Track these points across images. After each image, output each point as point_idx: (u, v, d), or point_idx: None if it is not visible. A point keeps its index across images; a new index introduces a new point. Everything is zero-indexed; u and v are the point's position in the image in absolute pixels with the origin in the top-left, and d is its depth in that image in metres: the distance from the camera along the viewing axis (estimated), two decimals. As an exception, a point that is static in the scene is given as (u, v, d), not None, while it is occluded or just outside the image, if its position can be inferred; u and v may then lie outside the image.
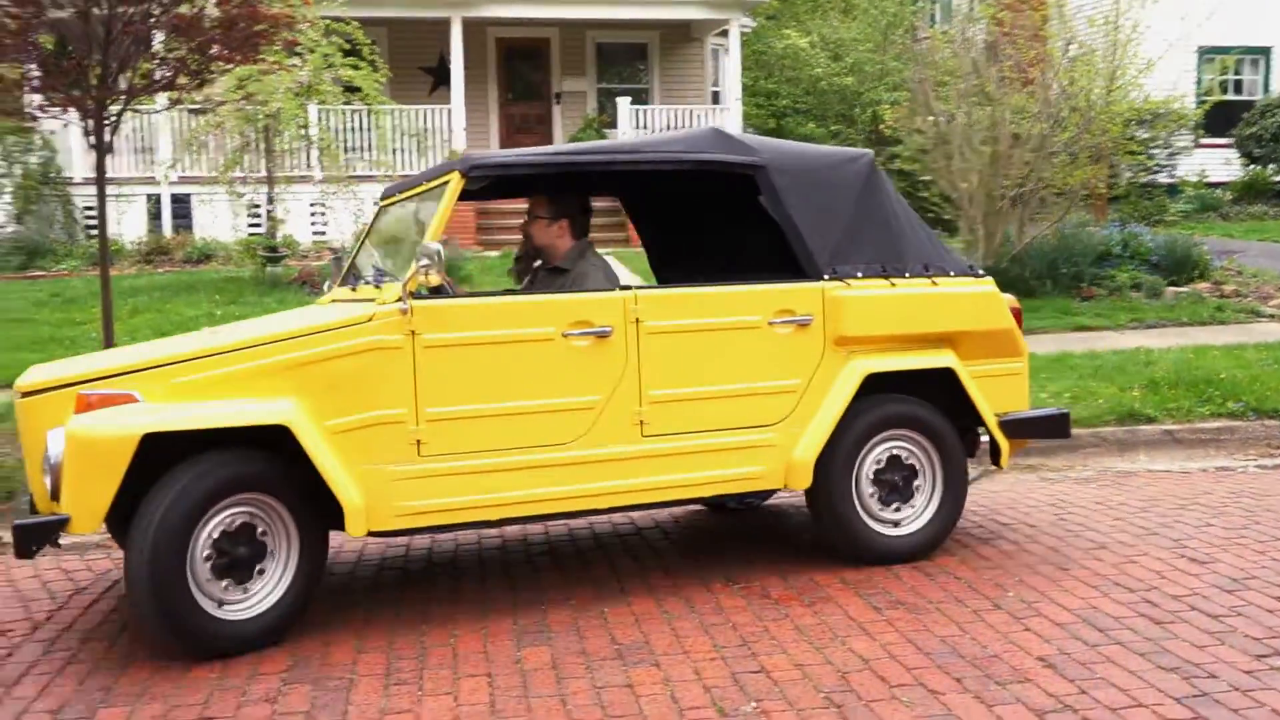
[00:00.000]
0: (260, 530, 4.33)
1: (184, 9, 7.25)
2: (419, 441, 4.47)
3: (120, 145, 18.66)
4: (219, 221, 17.79)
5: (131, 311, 12.41)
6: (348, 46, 14.68)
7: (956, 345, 5.32)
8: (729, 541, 5.79)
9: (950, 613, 4.60)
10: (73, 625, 4.76)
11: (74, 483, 4.04)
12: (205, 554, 4.22)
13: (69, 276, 16.48)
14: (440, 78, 21.21)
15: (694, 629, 4.49)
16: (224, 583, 4.27)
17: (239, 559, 4.29)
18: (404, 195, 5.25)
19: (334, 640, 4.47)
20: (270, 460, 4.30)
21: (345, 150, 15.89)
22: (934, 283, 5.29)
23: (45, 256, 18.06)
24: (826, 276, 5.10)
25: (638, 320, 4.76)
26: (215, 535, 4.24)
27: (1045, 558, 5.34)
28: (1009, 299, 5.55)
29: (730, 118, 20.93)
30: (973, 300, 5.36)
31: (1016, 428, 5.48)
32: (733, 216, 5.79)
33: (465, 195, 4.84)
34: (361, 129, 18.29)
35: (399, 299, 4.44)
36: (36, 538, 4.07)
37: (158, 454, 4.15)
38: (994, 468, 5.62)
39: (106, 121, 7.28)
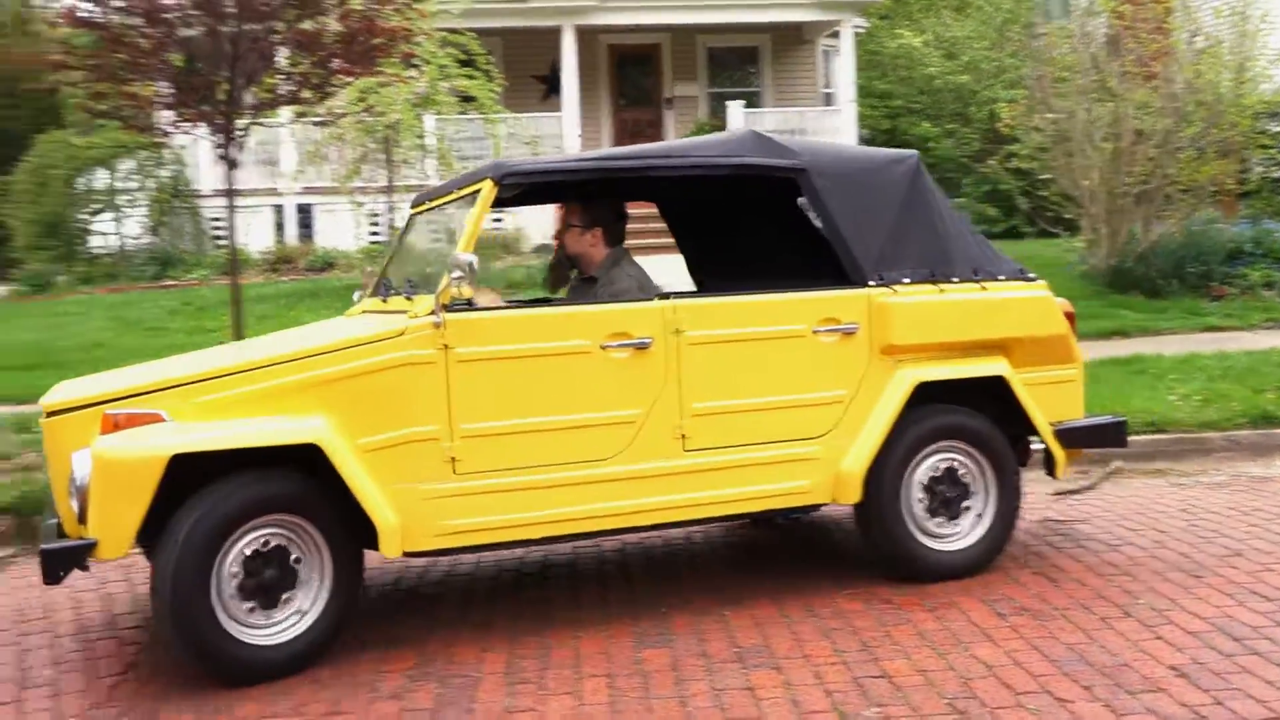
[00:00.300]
0: (293, 555, 4.17)
1: (306, 25, 7.46)
2: (454, 459, 4.32)
3: (246, 158, 19.21)
4: (340, 230, 18.23)
5: (259, 319, 12.79)
6: (463, 57, 14.93)
7: (1008, 352, 5.13)
8: (847, 546, 5.75)
9: (1077, 620, 4.51)
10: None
11: (101, 506, 3.90)
12: (231, 576, 4.08)
13: (199, 285, 17.05)
14: (553, 85, 21.43)
15: (814, 633, 4.47)
16: (250, 606, 4.12)
17: (268, 582, 4.13)
18: (437, 202, 5.12)
19: (458, 640, 4.55)
20: (300, 480, 4.15)
21: (461, 159, 16.15)
22: (984, 288, 5.11)
23: (176, 266, 18.71)
24: (872, 283, 4.93)
25: (678, 330, 4.62)
26: (242, 557, 4.09)
27: (1176, 564, 5.19)
28: (1062, 303, 5.35)
29: (843, 119, 20.75)
30: (1024, 305, 5.16)
31: (1072, 437, 5.28)
32: (772, 221, 5.65)
33: (501, 202, 4.80)
34: (476, 138, 18.58)
35: (431, 312, 4.30)
36: (63, 563, 3.93)
37: (186, 474, 4.00)
38: (1115, 469, 5.48)
39: (234, 135, 7.52)
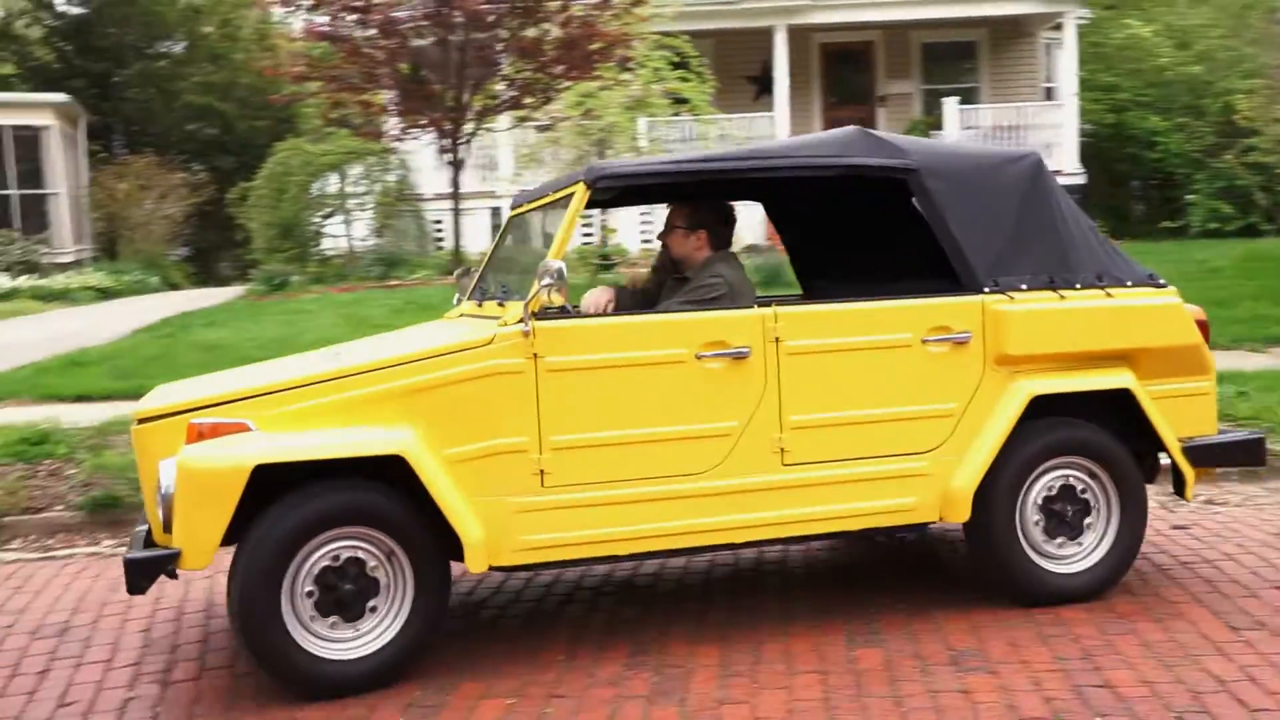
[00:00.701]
0: (372, 565, 4.10)
1: (529, 33, 7.72)
2: (542, 471, 4.22)
3: (465, 162, 19.95)
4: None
5: (477, 317, 13.24)
6: (676, 59, 15.11)
7: (1134, 363, 4.81)
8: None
9: (1319, 637, 4.28)
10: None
11: (185, 516, 3.88)
12: (307, 590, 4.03)
13: (422, 285, 17.78)
14: (764, 86, 21.44)
15: (1032, 639, 4.39)
16: (330, 620, 4.07)
17: (346, 596, 4.07)
18: (533, 205, 5.01)
19: (671, 632, 4.65)
20: (385, 492, 4.09)
21: (673, 160, 16.37)
22: (1108, 294, 4.81)
23: (400, 267, 19.54)
24: (987, 289, 4.67)
25: (778, 339, 4.43)
26: (317, 570, 4.05)
27: None
28: (1195, 310, 5.03)
29: (1065, 114, 20.06)
30: (1152, 313, 4.84)
31: (1203, 454, 4.92)
32: (883, 223, 5.40)
33: (598, 204, 4.65)
34: (687, 139, 18.77)
35: (520, 320, 4.20)
36: (147, 572, 3.95)
37: (273, 483, 3.99)
38: None
39: (460, 140, 7.85)
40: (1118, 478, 4.79)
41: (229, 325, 13.88)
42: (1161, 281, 4.99)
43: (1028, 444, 4.66)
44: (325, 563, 4.05)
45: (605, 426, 4.27)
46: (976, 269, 4.69)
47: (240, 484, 3.88)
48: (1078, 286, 4.80)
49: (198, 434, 4.07)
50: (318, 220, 21.76)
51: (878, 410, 4.54)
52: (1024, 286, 4.72)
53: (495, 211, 19.91)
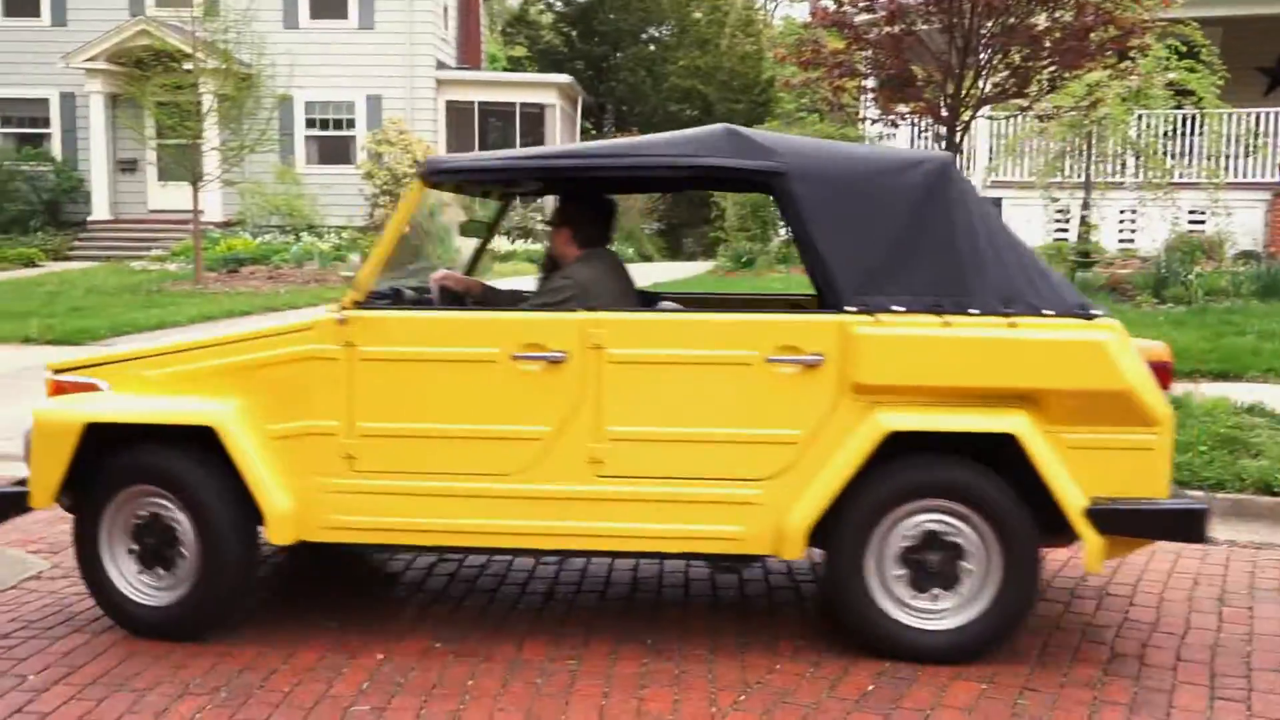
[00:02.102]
0: (171, 526, 4.34)
1: (1038, 20, 7.56)
2: (351, 456, 4.28)
3: (936, 149, 19.75)
4: (1027, 226, 18.13)
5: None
6: (1183, 49, 14.18)
7: (1041, 405, 4.07)
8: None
9: None
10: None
11: (34, 460, 4.33)
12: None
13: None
14: (1277, 78, 19.61)
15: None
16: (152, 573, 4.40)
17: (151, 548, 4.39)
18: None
19: (1147, 645, 4.46)
20: (199, 457, 4.33)
21: (1168, 156, 15.38)
22: (1012, 324, 4.07)
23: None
24: (849, 308, 4.10)
25: (598, 346, 4.17)
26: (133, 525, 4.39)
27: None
28: (1155, 349, 4.27)
29: None
30: (1059, 349, 4.05)
31: (1114, 521, 4.05)
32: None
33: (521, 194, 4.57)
34: (1180, 134, 17.55)
35: (343, 307, 4.29)
36: (2, 507, 4.50)
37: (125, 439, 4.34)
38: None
39: (958, 128, 7.83)
40: (1000, 531, 4.11)
41: (702, 298, 14.66)
42: (1094, 313, 4.16)
43: (885, 483, 4.11)
44: (138, 519, 4.39)
45: (415, 418, 4.25)
46: (840, 285, 4.13)
47: (74, 436, 4.25)
48: (973, 312, 4.11)
49: (59, 389, 4.52)
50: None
51: (709, 429, 4.17)
52: (899, 308, 4.11)
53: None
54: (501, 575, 5.21)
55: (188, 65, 19.96)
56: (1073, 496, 4.05)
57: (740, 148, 4.29)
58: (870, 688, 4.02)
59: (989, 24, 7.48)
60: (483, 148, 26.50)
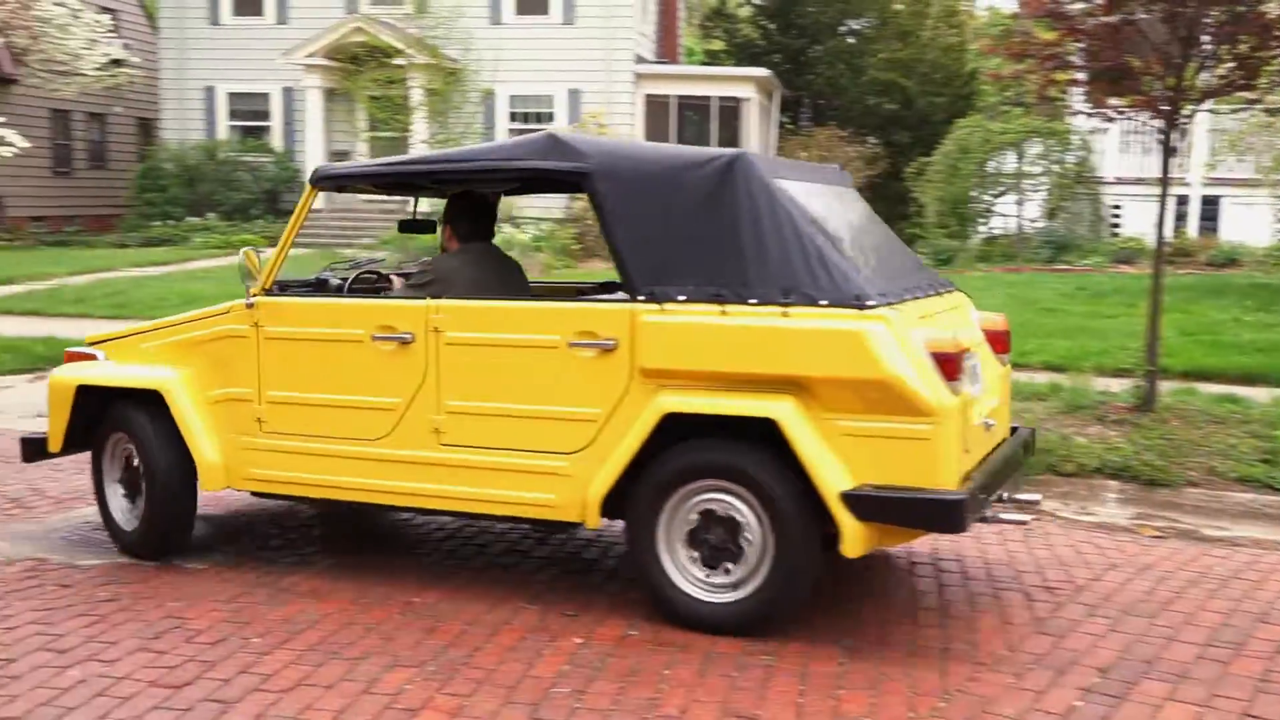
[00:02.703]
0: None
1: (1270, 7, 7.14)
2: (260, 419, 5.15)
3: (1150, 145, 18.89)
4: (1251, 225, 17.21)
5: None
6: None
7: (813, 393, 4.23)
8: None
9: None
10: (1109, 596, 5.04)
11: (49, 413, 5.62)
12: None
13: (1092, 272, 17.19)
14: None
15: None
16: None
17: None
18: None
19: None
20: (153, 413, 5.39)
21: None
22: (784, 313, 4.25)
23: (1071, 251, 19.02)
24: (641, 297, 4.46)
25: (437, 330, 4.80)
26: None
27: None
28: (992, 319, 5.02)
29: None
30: (819, 339, 4.19)
31: (870, 507, 4.14)
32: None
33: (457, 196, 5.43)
34: None
35: (254, 294, 5.16)
36: (29, 448, 5.80)
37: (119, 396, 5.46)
38: None
39: (1178, 122, 7.47)
40: (771, 510, 4.30)
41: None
42: (868, 304, 4.17)
43: (667, 463, 4.42)
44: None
45: (305, 389, 5.06)
46: (634, 275, 4.50)
47: (70, 394, 5.53)
48: (752, 302, 4.30)
49: (68, 358, 5.77)
50: (989, 198, 21.77)
51: (526, 406, 4.65)
52: (682, 297, 4.41)
53: (1181, 200, 18.71)
54: (696, 567, 5.23)
55: (399, 60, 20.75)
56: (830, 481, 4.18)
57: (556, 151, 4.73)
58: (1078, 704, 3.89)
59: (1215, 11, 7.10)
60: (680, 142, 26.64)
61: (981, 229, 21.77)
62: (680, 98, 25.98)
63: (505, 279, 5.31)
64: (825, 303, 4.25)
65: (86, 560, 5.38)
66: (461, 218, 5.39)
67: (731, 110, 26.15)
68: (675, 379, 4.41)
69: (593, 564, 5.33)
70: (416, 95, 21.08)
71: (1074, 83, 8.48)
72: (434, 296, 4.89)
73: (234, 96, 26.24)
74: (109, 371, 5.50)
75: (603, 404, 4.53)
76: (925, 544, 5.63)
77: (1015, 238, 20.97)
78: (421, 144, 20.11)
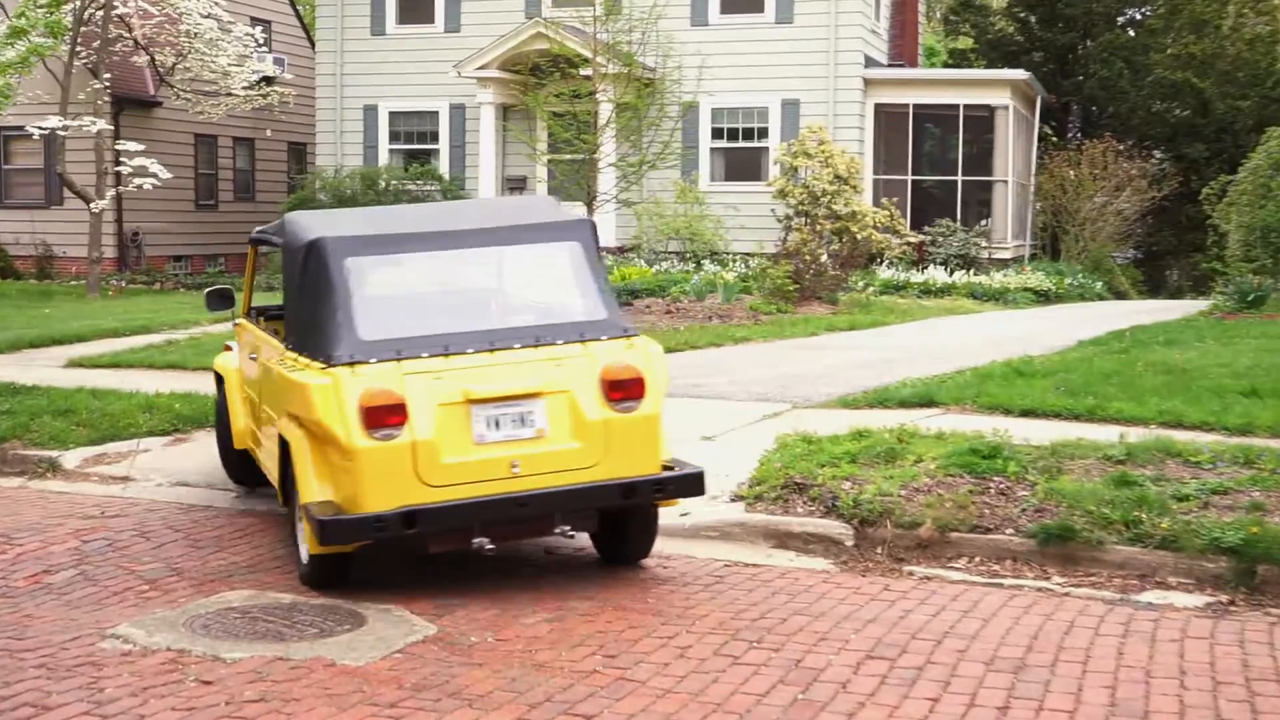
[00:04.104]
0: None
1: None
2: (249, 398, 8.58)
3: None
4: None
5: None
6: None
7: (305, 426, 6.84)
8: None
9: None
10: None
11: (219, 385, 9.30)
12: None
13: None
14: None
15: None
16: None
17: None
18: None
19: None
20: None
21: None
22: (294, 364, 7.09)
23: None
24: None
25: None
26: None
27: None
28: (373, 395, 6.38)
29: None
30: (295, 388, 6.89)
31: (311, 516, 6.53)
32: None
33: None
34: None
35: (235, 317, 9.17)
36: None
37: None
38: None
39: None
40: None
41: (1193, 345, 13.90)
42: (332, 363, 6.63)
43: None
44: None
45: (250, 383, 8.59)
46: (285, 334, 7.91)
47: (213, 373, 9.61)
48: (290, 356, 7.21)
49: (226, 349, 9.40)
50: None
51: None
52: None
53: None
54: (939, 682, 5.14)
55: (586, 71, 21.21)
56: (305, 492, 6.68)
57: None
58: None
59: None
60: (918, 157, 26.51)
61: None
62: (919, 107, 25.89)
63: None
64: (307, 358, 6.81)
65: (232, 653, 5.63)
66: None
67: (982, 120, 25.86)
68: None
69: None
70: (605, 111, 21.50)
71: None
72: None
73: (397, 116, 27.32)
74: (217, 359, 9.62)
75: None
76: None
77: (1346, 274, 19.99)
78: (610, 167, 20.50)
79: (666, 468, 6.86)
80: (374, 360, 6.46)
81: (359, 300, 6.72)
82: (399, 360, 6.49)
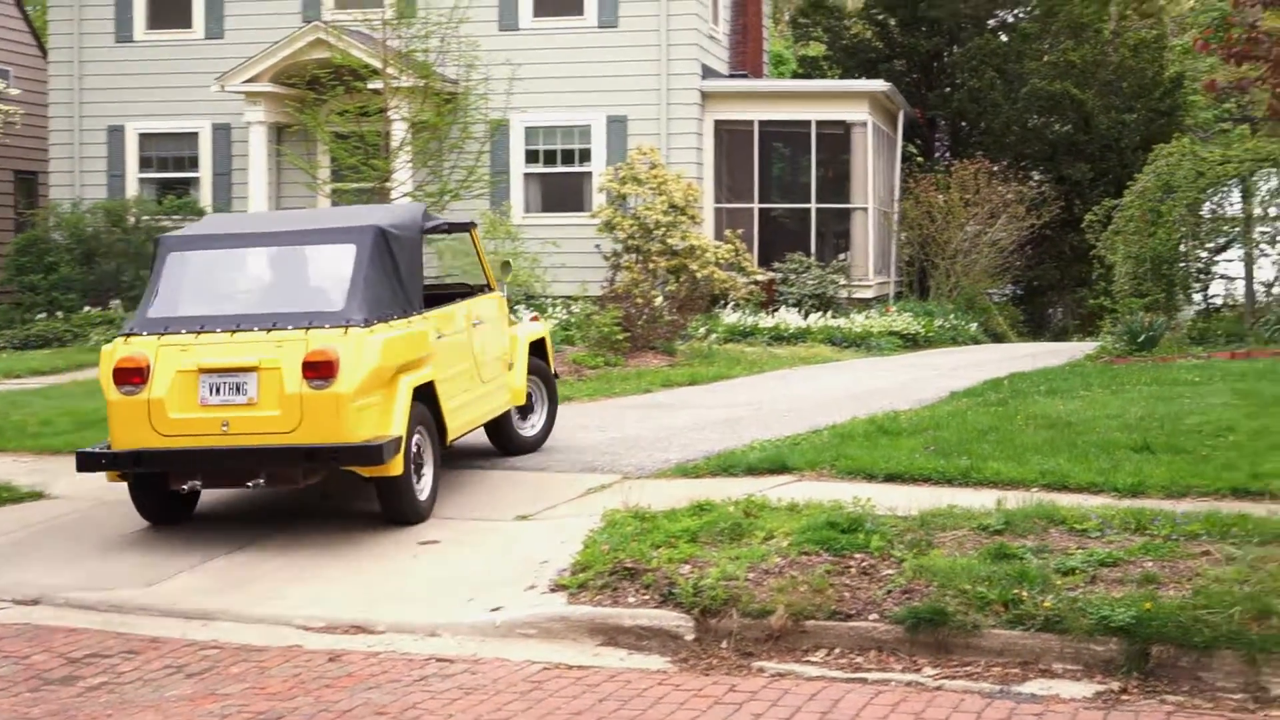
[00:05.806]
0: None
1: None
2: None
3: None
4: None
5: None
6: None
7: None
8: None
9: None
10: None
11: None
12: None
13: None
14: None
15: None
16: None
17: None
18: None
19: None
20: None
21: None
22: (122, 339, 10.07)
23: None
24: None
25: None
26: None
27: None
28: (121, 359, 9.48)
29: None
30: (104, 354, 9.85)
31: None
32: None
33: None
34: None
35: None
36: None
37: None
38: None
39: None
40: None
41: (1079, 395, 14.17)
42: (124, 334, 9.89)
43: None
44: None
45: None
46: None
47: None
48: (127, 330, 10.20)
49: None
50: (1205, 254, 21.68)
51: None
52: None
53: None
54: None
55: (376, 84, 21.10)
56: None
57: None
58: None
59: None
60: (765, 182, 26.91)
61: (1196, 298, 21.66)
62: (765, 123, 26.23)
63: None
64: (127, 331, 9.83)
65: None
66: None
67: (837, 139, 26.41)
68: None
69: None
70: (399, 131, 21.40)
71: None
72: None
73: (149, 139, 26.80)
74: None
75: None
76: None
77: (1244, 310, 20.83)
78: (405, 197, 20.40)
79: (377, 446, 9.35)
80: (144, 334, 9.60)
81: (164, 286, 9.99)
82: (162, 335, 9.54)
